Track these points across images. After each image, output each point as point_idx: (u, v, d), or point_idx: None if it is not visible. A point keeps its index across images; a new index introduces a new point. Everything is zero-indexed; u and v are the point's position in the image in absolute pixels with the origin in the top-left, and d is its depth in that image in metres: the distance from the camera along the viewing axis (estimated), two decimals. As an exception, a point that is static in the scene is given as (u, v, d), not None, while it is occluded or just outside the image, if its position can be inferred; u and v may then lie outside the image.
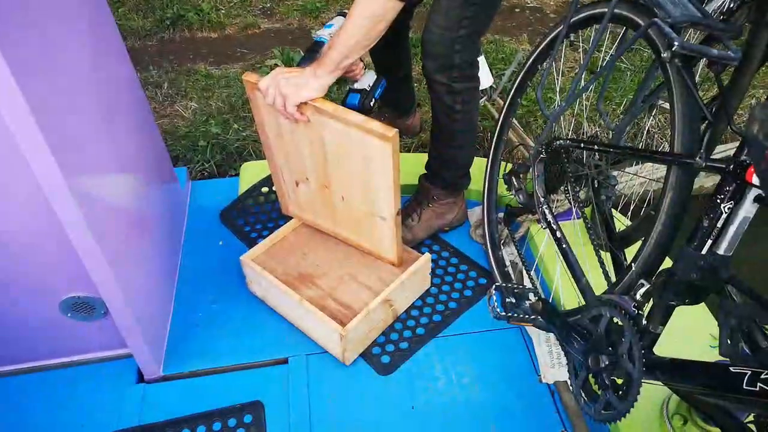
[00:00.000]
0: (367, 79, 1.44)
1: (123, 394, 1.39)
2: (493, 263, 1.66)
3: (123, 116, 1.43)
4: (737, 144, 0.94)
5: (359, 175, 1.36)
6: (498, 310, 1.24)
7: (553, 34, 1.47)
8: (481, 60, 2.11)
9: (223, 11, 3.73)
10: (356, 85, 1.44)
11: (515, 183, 1.56)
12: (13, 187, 1.06)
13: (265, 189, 1.94)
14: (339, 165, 1.39)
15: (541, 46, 1.52)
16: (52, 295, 1.29)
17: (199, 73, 3.07)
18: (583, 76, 1.28)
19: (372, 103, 1.42)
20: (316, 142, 1.37)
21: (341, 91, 2.71)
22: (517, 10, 3.90)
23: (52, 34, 1.06)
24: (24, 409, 1.37)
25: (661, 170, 1.30)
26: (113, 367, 1.44)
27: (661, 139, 2.44)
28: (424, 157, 1.73)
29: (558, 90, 1.97)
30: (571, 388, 1.15)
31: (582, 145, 1.35)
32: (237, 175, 2.11)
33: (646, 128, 2.04)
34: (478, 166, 1.81)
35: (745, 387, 0.83)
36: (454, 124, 1.54)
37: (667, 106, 1.16)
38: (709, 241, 0.96)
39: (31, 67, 0.94)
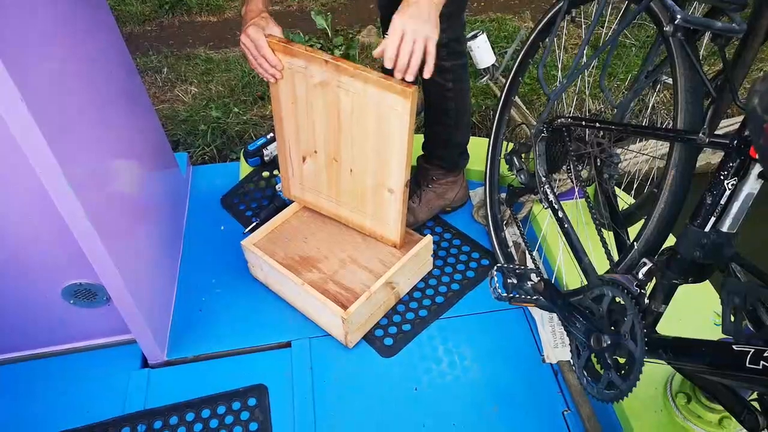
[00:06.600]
0: None
1: (128, 379, 1.39)
2: (495, 244, 1.65)
3: (119, 102, 1.42)
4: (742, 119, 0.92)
5: (372, 141, 1.36)
6: (499, 291, 1.23)
7: (553, 11, 1.44)
8: (483, 38, 2.08)
9: (222, -6, 3.69)
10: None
11: (517, 163, 1.54)
12: (11, 176, 1.05)
13: (266, 173, 1.93)
14: (352, 131, 1.38)
15: (542, 23, 1.49)
16: (54, 282, 1.29)
17: (198, 58, 3.05)
18: (584, 52, 1.26)
19: None
20: (332, 106, 1.36)
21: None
22: (519, -14, 3.83)
23: (41, 19, 1.04)
24: (30, 395, 1.38)
25: (664, 147, 1.28)
26: (118, 352, 1.45)
27: (666, 115, 2.40)
28: (422, 139, 1.71)
29: (560, 67, 1.93)
30: (573, 368, 1.15)
31: (584, 123, 1.33)
32: (237, 159, 2.09)
33: (651, 105, 2.00)
34: (480, 146, 1.79)
35: (748, 365, 0.82)
36: (447, 103, 1.52)
37: (671, 81, 1.13)
38: (713, 219, 0.95)
39: (21, 54, 0.92)
